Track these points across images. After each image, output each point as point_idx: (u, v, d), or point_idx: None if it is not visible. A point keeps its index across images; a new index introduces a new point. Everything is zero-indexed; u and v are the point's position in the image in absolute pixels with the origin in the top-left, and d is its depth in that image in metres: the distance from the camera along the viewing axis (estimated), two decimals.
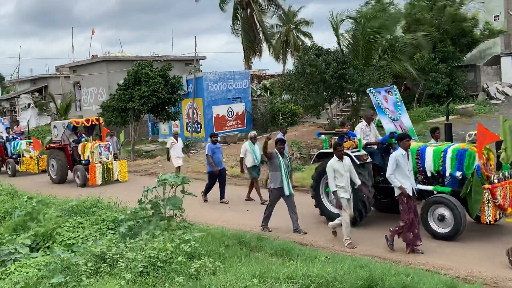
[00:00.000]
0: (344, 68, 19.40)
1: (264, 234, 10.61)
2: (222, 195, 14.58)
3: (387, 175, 9.18)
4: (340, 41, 21.57)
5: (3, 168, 24.55)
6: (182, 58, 37.44)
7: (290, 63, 41.67)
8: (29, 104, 42.22)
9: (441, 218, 9.62)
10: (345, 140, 11.42)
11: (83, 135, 20.70)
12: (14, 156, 24.06)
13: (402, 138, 9.28)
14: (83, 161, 19.26)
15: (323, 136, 12.23)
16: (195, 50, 31.37)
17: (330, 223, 10.30)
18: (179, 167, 18.26)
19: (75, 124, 20.57)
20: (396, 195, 9.19)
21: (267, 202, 13.37)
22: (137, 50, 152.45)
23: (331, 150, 11.17)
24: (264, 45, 42.73)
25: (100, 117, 21.63)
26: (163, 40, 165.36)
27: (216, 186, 14.64)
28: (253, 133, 14.86)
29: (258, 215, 12.72)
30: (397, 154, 9.11)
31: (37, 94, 44.26)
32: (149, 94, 24.26)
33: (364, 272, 7.35)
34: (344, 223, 9.71)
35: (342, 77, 19.34)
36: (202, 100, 29.48)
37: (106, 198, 12.84)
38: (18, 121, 28.89)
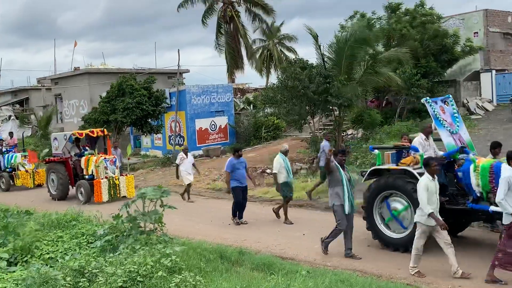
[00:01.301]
0: (328, 82, 19.43)
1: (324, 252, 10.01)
2: (240, 215, 13.40)
3: (498, 200, 8.08)
4: (323, 54, 21.62)
5: None
6: (165, 71, 37.41)
7: (274, 77, 41.92)
8: (9, 116, 41.76)
9: None
10: (404, 156, 10.47)
11: (87, 147, 19.42)
12: (8, 170, 22.71)
13: None
14: (87, 176, 17.84)
15: (376, 151, 10.87)
16: (178, 63, 31.41)
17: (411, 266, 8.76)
18: (189, 184, 17.19)
19: (78, 135, 19.04)
20: (505, 222, 8.10)
21: (287, 222, 13.03)
22: (121, 63, 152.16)
23: (386, 166, 10.44)
24: (247, 60, 42.88)
25: (105, 129, 20.03)
26: (147, 52, 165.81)
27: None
28: (285, 146, 13.79)
29: (240, 229, 12.70)
30: (511, 175, 8.03)
31: (18, 106, 43.84)
32: (133, 106, 24.17)
33: (345, 286, 7.36)
34: (415, 249, 8.68)
35: (327, 91, 19.35)
36: (185, 113, 29.44)
37: (87, 211, 12.71)
38: (11, 132, 27.65)
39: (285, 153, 13.29)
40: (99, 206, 14.17)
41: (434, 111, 10.66)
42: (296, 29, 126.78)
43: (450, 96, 11.72)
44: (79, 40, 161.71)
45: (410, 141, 11.11)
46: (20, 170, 22.19)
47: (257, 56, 44.80)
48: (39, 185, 21.70)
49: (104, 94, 26.22)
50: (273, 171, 13.20)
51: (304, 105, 20.67)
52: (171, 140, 29.74)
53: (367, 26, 23.29)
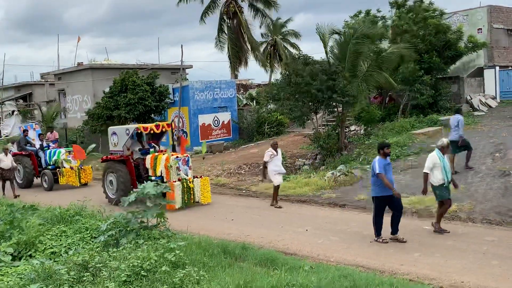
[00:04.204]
0: (334, 79, 19.35)
1: None
2: (394, 229, 10.54)
3: None
4: (328, 52, 21.56)
5: (37, 180, 21.32)
6: (169, 67, 37.39)
7: (277, 73, 41.91)
8: (13, 111, 41.86)
9: None
10: None
11: (153, 144, 17.18)
12: (50, 167, 20.73)
13: None
14: (153, 178, 15.48)
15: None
16: (182, 59, 31.40)
17: None
18: (278, 186, 14.80)
19: (142, 130, 16.61)
20: None
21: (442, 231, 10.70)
22: (125, 58, 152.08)
23: None
24: (251, 55, 42.80)
25: (172, 122, 17.50)
26: (151, 48, 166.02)
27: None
28: (444, 140, 11.11)
29: (242, 224, 12.70)
30: None
31: (21, 101, 43.92)
32: (135, 102, 24.18)
33: (348, 281, 7.36)
34: None
35: (331, 88, 19.28)
36: (188, 109, 29.46)
37: (90, 206, 12.75)
38: (51, 127, 25.67)
39: (442, 149, 10.87)
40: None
41: None
42: (301, 25, 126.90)
43: None
44: (84, 36, 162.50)
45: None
46: (64, 167, 20.21)
47: (261, 51, 44.70)
48: (85, 184, 20.44)
49: (107, 90, 26.25)
50: (424, 170, 10.88)
51: (308, 102, 20.67)
52: (174, 136, 29.75)
53: (371, 23, 23.29)
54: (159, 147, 17.06)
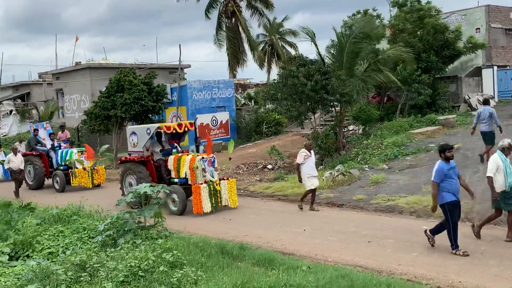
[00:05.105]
0: (327, 79, 19.44)
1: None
2: (435, 232, 9.84)
3: None
4: (322, 52, 21.56)
5: (48, 181, 20.83)
6: (167, 66, 37.36)
7: (275, 72, 41.90)
8: (10, 111, 41.77)
9: None
10: None
11: (176, 144, 16.26)
12: (62, 168, 20.20)
13: None
14: (176, 180, 14.83)
15: None
16: (180, 58, 31.42)
17: None
18: (315, 189, 13.92)
19: (165, 129, 15.67)
20: None
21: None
22: (123, 58, 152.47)
23: None
24: (249, 54, 42.79)
25: (195, 121, 17.06)
26: (149, 48, 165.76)
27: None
28: (506, 141, 10.03)
29: (240, 224, 12.70)
30: None
31: (19, 100, 43.85)
32: (131, 102, 24.11)
33: (346, 282, 7.36)
34: None
35: (324, 88, 19.37)
36: (186, 109, 29.44)
37: (87, 206, 12.74)
38: (63, 126, 24.98)
39: (504, 150, 9.91)
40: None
41: None
42: (299, 24, 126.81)
43: None
44: (82, 35, 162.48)
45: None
46: (77, 168, 19.57)
47: (259, 50, 44.66)
48: (98, 185, 19.90)
49: (104, 89, 26.21)
50: (488, 174, 9.85)
51: (305, 102, 20.70)
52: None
53: (368, 22, 23.27)
54: (180, 147, 16.31)
